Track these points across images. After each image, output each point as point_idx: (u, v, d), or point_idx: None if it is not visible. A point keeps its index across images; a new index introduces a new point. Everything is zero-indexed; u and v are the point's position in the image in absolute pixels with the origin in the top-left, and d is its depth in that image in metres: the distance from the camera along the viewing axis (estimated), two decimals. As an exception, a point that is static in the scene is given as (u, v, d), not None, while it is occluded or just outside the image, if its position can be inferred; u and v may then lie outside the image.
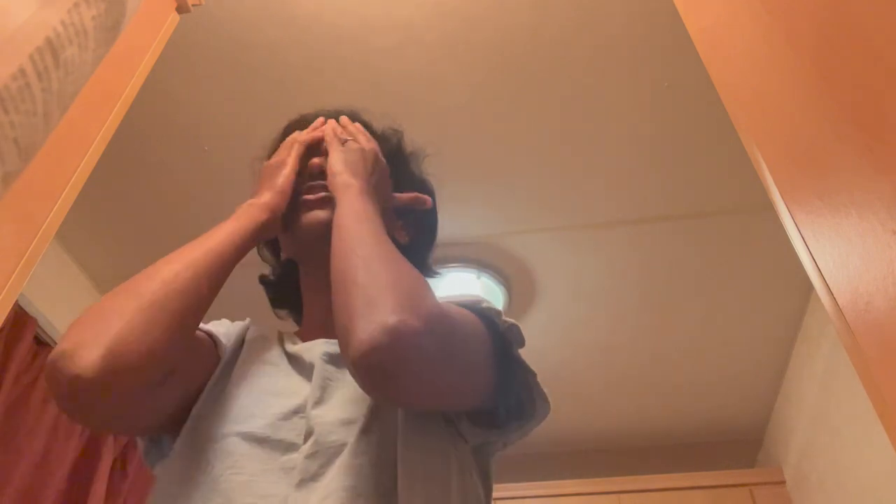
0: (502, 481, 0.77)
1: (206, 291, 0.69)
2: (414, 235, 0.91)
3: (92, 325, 0.60)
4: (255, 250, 0.95)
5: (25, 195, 0.78)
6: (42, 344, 2.20)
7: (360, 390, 0.65)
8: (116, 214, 2.24)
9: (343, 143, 0.85)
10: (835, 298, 0.53)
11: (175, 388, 0.67)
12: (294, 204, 0.84)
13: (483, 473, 0.72)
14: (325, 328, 0.79)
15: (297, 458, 0.61)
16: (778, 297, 2.49)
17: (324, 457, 0.61)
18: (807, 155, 0.60)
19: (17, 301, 0.95)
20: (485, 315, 0.69)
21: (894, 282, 0.43)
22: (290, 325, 0.91)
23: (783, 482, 2.77)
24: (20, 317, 2.05)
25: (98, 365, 0.56)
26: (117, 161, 2.01)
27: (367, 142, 0.86)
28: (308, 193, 0.84)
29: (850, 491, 2.23)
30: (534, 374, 0.70)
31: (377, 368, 0.53)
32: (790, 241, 0.64)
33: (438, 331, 0.57)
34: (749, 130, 0.72)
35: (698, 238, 2.31)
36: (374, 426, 0.63)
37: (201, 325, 0.76)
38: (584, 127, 1.99)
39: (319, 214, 0.82)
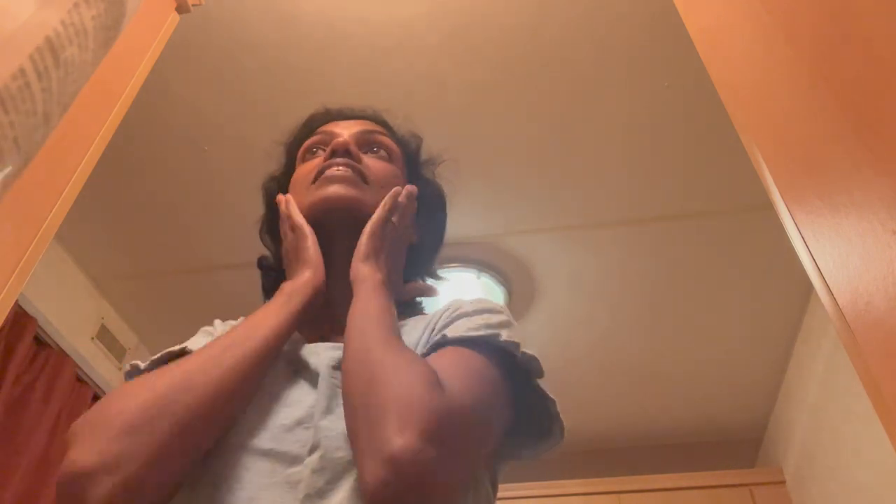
0: (502, 481, 0.76)
1: (245, 402, 0.65)
2: (423, 236, 0.90)
3: (116, 440, 0.56)
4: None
5: (25, 195, 0.78)
6: (42, 344, 2.20)
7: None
8: (116, 214, 2.24)
9: (388, 215, 0.80)
10: (835, 298, 0.53)
11: None
12: (307, 183, 0.82)
13: (492, 481, 0.70)
14: (331, 322, 0.78)
15: (302, 471, 0.59)
16: (778, 297, 2.49)
17: (330, 472, 0.58)
18: (807, 155, 0.60)
19: (17, 301, 0.95)
20: (504, 350, 0.66)
21: (894, 282, 0.43)
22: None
23: (783, 482, 2.77)
24: (20, 317, 2.05)
25: (115, 500, 0.54)
26: (117, 161, 2.01)
27: (407, 223, 0.83)
28: (331, 166, 0.82)
29: (850, 491, 2.23)
30: (553, 403, 0.69)
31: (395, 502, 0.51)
32: (790, 241, 0.64)
33: (447, 437, 0.54)
34: (749, 130, 0.72)
35: (698, 238, 2.31)
36: None
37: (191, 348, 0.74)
38: (584, 127, 1.99)
39: (339, 189, 0.80)
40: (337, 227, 0.80)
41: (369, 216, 0.80)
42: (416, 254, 0.90)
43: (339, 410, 0.63)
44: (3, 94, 0.64)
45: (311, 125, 0.93)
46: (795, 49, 0.60)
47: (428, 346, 0.68)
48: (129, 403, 0.59)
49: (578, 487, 2.75)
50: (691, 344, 2.73)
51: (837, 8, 0.53)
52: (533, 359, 0.67)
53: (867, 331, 0.49)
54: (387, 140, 0.89)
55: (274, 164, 0.97)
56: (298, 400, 0.66)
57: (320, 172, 0.81)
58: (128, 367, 0.79)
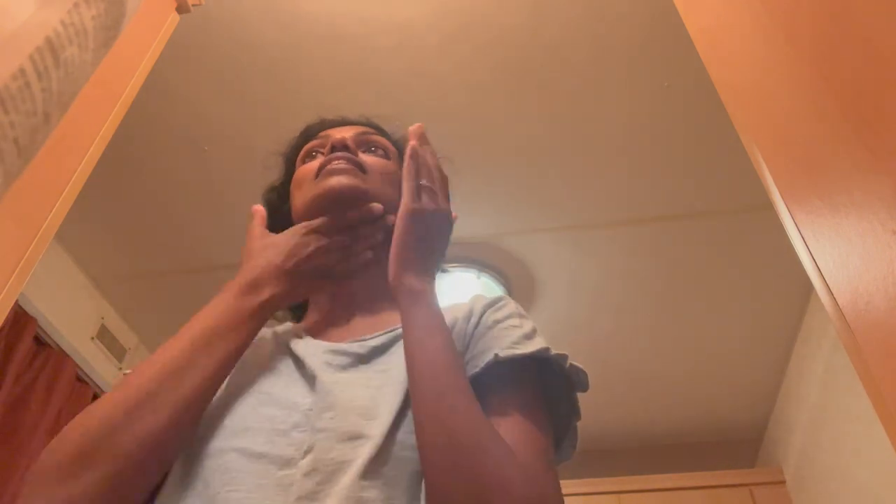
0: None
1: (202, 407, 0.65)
2: None
3: (92, 454, 0.58)
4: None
5: (25, 195, 0.78)
6: (42, 344, 2.20)
7: (364, 402, 0.64)
8: (116, 214, 2.25)
9: (418, 190, 0.73)
10: (835, 298, 0.53)
11: None
12: (308, 181, 0.82)
13: None
14: (334, 320, 0.79)
15: (294, 473, 0.58)
16: (778, 297, 2.49)
17: (321, 475, 0.58)
18: (807, 155, 0.60)
19: (17, 301, 0.95)
20: (553, 361, 0.68)
21: (894, 282, 0.43)
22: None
23: (783, 482, 2.77)
24: (20, 317, 2.05)
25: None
26: (117, 161, 2.01)
27: (446, 202, 0.75)
28: (331, 160, 0.82)
29: (850, 491, 2.23)
30: (578, 418, 0.70)
31: None
32: (790, 241, 0.63)
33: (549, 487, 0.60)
34: (749, 130, 0.72)
35: (698, 238, 2.32)
36: (386, 455, 0.60)
37: None
38: (584, 127, 1.99)
39: (341, 179, 0.79)
40: (342, 217, 0.80)
41: (370, 200, 0.80)
42: None
43: (335, 413, 0.63)
44: (3, 94, 0.64)
45: (307, 134, 0.94)
46: (795, 49, 0.60)
47: (480, 367, 0.66)
48: (67, 447, 0.59)
49: (578, 487, 2.75)
50: (691, 344, 2.73)
51: (837, 8, 0.53)
52: (581, 372, 0.69)
53: (867, 331, 0.49)
54: (384, 141, 0.90)
55: (273, 171, 0.97)
56: (294, 402, 0.65)
57: (321, 168, 0.82)
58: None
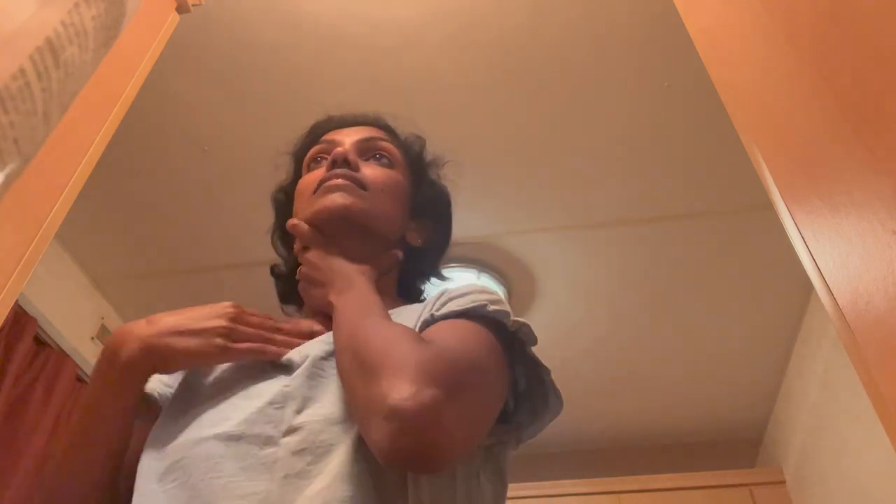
0: (503, 481, 0.75)
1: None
2: (427, 238, 0.90)
3: None
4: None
5: (25, 195, 0.78)
6: (42, 344, 2.20)
7: (337, 383, 0.65)
8: (116, 214, 2.24)
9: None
10: (835, 298, 0.53)
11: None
12: (309, 193, 0.83)
13: (497, 473, 0.70)
14: (324, 318, 0.79)
15: (278, 452, 0.59)
16: (778, 297, 2.49)
17: (312, 455, 0.58)
18: (807, 155, 0.60)
19: (17, 301, 0.95)
20: (493, 318, 0.66)
21: (894, 282, 0.43)
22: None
23: (783, 482, 2.77)
24: (20, 317, 2.05)
25: None
26: (117, 161, 2.01)
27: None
28: (331, 177, 0.82)
29: (850, 491, 2.23)
30: (548, 372, 0.69)
31: (403, 459, 0.52)
32: (790, 241, 0.63)
33: (442, 374, 0.54)
34: (749, 130, 0.72)
35: (698, 238, 2.31)
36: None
37: (148, 388, 0.75)
38: (584, 127, 1.99)
39: (337, 198, 0.80)
40: (338, 233, 0.81)
41: (369, 221, 0.82)
42: (420, 256, 0.90)
43: (323, 397, 0.63)
44: (3, 94, 0.64)
45: (315, 133, 0.94)
46: (795, 49, 0.60)
47: (418, 326, 0.68)
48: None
49: (578, 487, 2.75)
50: (691, 344, 2.73)
51: (837, 8, 0.53)
52: (524, 325, 0.67)
53: (867, 331, 0.49)
54: (388, 146, 0.90)
55: (280, 173, 0.98)
56: (269, 388, 0.66)
57: (321, 184, 0.82)
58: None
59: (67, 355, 2.26)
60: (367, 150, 0.88)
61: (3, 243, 0.76)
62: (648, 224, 2.27)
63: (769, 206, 0.68)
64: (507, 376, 0.66)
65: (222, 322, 0.69)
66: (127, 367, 0.67)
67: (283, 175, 0.98)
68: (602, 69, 1.85)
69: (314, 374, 0.66)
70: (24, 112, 0.68)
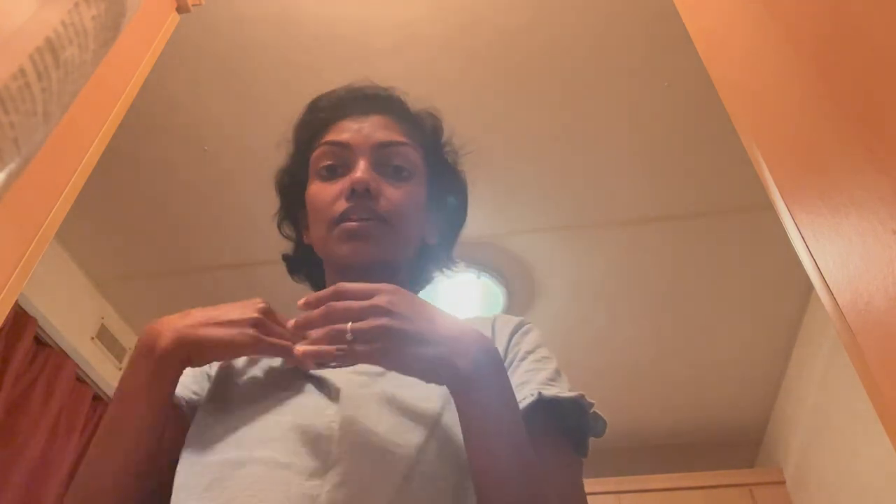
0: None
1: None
2: (442, 231, 0.89)
3: None
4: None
5: (25, 195, 0.78)
6: (42, 344, 2.20)
7: (392, 419, 0.64)
8: (116, 214, 2.25)
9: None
10: (835, 298, 0.53)
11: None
12: (327, 221, 0.78)
13: None
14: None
15: (321, 485, 0.58)
16: (778, 297, 2.49)
17: (353, 488, 0.58)
18: (807, 155, 0.60)
19: (17, 301, 0.95)
20: (585, 408, 0.69)
21: (894, 282, 0.43)
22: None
23: (783, 482, 2.77)
24: (20, 317, 2.05)
25: None
26: (117, 161, 2.01)
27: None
28: (351, 216, 0.76)
29: (850, 491, 2.23)
30: (584, 456, 0.72)
31: None
32: (790, 241, 0.63)
33: None
34: (749, 130, 0.72)
35: (698, 238, 2.32)
36: (417, 472, 0.60)
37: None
38: (584, 127, 1.99)
39: (359, 248, 0.75)
40: (365, 276, 0.78)
41: (394, 259, 0.79)
42: (436, 251, 0.89)
43: (362, 426, 0.62)
44: (3, 94, 0.64)
45: (319, 114, 0.88)
46: (795, 49, 0.60)
47: (522, 405, 0.66)
48: None
49: (578, 487, 2.75)
50: (691, 344, 2.73)
51: (838, 8, 0.53)
52: (602, 421, 0.71)
53: (867, 331, 0.49)
54: (406, 151, 0.82)
55: (280, 160, 0.95)
56: (316, 411, 0.65)
57: (341, 217, 0.77)
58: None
59: (67, 355, 2.26)
60: (384, 161, 0.81)
61: (3, 243, 0.76)
62: (648, 224, 2.27)
63: (769, 206, 0.68)
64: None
65: (254, 314, 0.66)
66: (162, 358, 0.66)
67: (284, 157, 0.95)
68: (602, 69, 1.85)
69: (356, 403, 0.65)
70: (24, 112, 0.68)
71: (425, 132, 0.89)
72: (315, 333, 0.61)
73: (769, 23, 0.66)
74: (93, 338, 2.42)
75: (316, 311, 0.61)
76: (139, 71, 1.06)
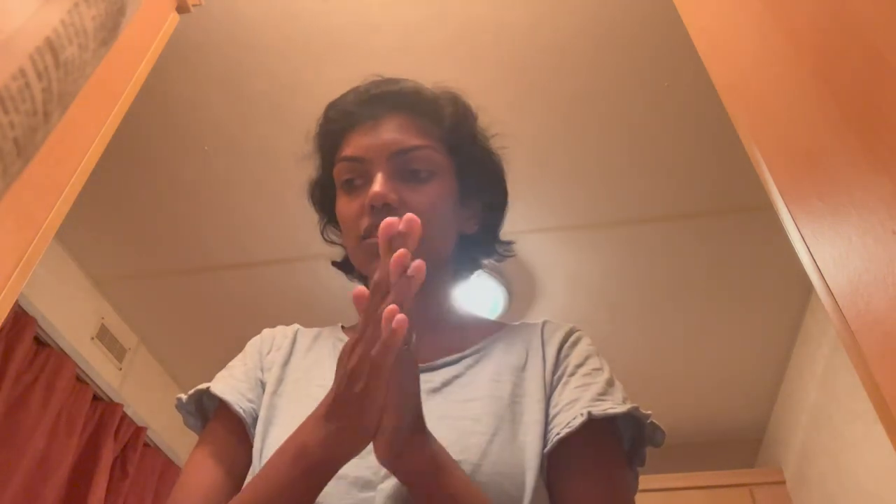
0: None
1: None
2: (482, 219, 0.87)
3: None
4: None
5: (25, 195, 0.78)
6: (42, 344, 2.20)
7: (445, 434, 0.63)
8: (116, 214, 2.24)
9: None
10: (835, 298, 0.53)
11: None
12: (355, 237, 0.76)
13: None
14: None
15: (374, 497, 0.59)
16: (778, 297, 2.49)
17: (406, 500, 0.59)
18: (807, 155, 0.59)
19: (17, 301, 0.95)
20: (634, 417, 0.69)
21: (894, 282, 0.43)
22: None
23: (783, 482, 2.77)
24: (20, 317, 2.05)
25: None
26: (117, 161, 2.02)
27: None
28: (374, 233, 0.71)
29: (850, 491, 2.23)
30: (641, 465, 0.72)
31: None
32: (790, 241, 0.63)
33: None
34: (749, 130, 0.72)
35: (698, 238, 2.31)
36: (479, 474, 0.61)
37: (228, 398, 0.73)
38: (584, 127, 1.99)
39: None
40: None
41: (427, 261, 0.76)
42: (478, 239, 0.87)
43: None
44: (3, 94, 0.64)
45: (333, 127, 0.86)
46: (795, 49, 0.60)
47: (574, 426, 0.65)
48: None
49: (578, 487, 2.75)
50: (691, 344, 2.73)
51: (838, 8, 0.53)
52: (660, 431, 0.70)
53: (867, 331, 0.49)
54: (424, 154, 0.79)
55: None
56: None
57: (365, 234, 0.75)
58: (175, 401, 0.80)
59: (67, 355, 2.26)
60: (402, 167, 0.78)
61: (3, 243, 0.76)
62: (648, 224, 2.27)
63: (769, 206, 0.68)
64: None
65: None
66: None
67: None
68: (602, 69, 1.85)
69: None
70: (24, 112, 0.68)
71: (444, 121, 0.84)
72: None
73: (769, 23, 0.66)
74: (93, 338, 2.42)
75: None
76: (139, 71, 1.06)
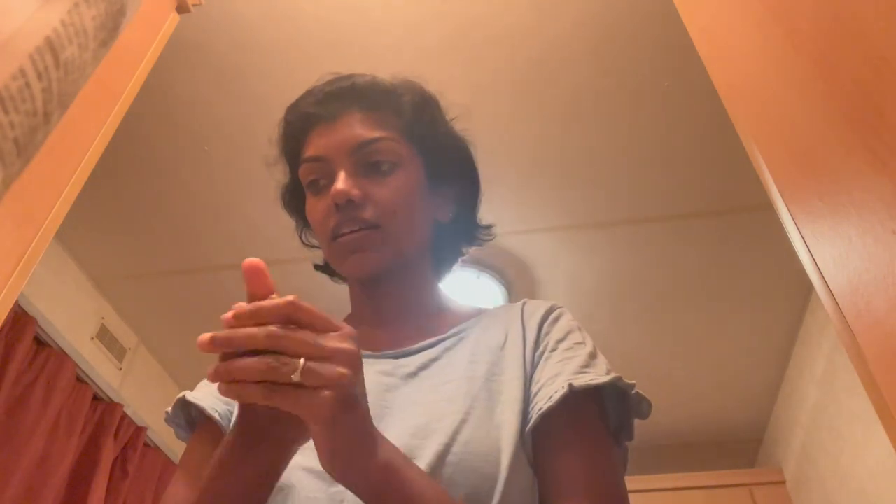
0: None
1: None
2: (456, 205, 0.87)
3: None
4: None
5: (25, 195, 0.78)
6: (42, 344, 2.20)
7: (417, 420, 0.64)
8: (116, 214, 2.24)
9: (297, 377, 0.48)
10: (835, 298, 0.53)
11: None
12: (326, 238, 0.77)
13: None
14: (373, 326, 0.78)
15: (345, 491, 0.58)
16: (778, 297, 2.49)
17: None
18: (807, 155, 0.59)
19: (17, 301, 0.95)
20: (624, 390, 0.68)
21: (894, 282, 0.43)
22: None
23: (783, 482, 2.77)
24: (20, 317, 2.05)
25: None
26: (118, 161, 2.02)
27: (335, 350, 0.49)
28: (343, 231, 0.75)
29: (850, 491, 2.23)
30: (630, 440, 0.71)
31: None
32: (790, 241, 0.63)
33: None
34: (749, 130, 0.72)
35: (698, 238, 2.31)
36: (438, 475, 0.60)
37: (203, 403, 0.73)
38: (584, 127, 1.99)
39: (360, 261, 0.74)
40: (379, 283, 0.79)
41: (402, 257, 0.77)
42: (454, 228, 0.87)
43: (388, 432, 0.61)
44: (3, 94, 0.64)
45: (293, 129, 0.87)
46: (796, 49, 0.60)
47: (555, 399, 0.64)
48: None
49: (578, 487, 2.75)
50: (691, 344, 2.73)
51: (838, 8, 0.53)
52: (645, 401, 0.70)
53: (867, 331, 0.49)
54: (383, 146, 0.78)
55: (273, 169, 0.96)
56: None
57: (334, 234, 0.76)
58: (164, 416, 0.79)
59: (67, 355, 2.26)
60: (363, 161, 0.77)
61: (3, 243, 0.76)
62: (648, 224, 2.27)
63: (769, 206, 0.68)
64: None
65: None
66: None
67: (277, 171, 0.95)
68: (602, 69, 1.85)
69: (379, 406, 0.65)
70: (24, 112, 0.68)
71: (404, 111, 0.82)
72: (242, 361, 0.46)
73: (769, 23, 0.66)
74: (93, 338, 2.42)
75: (258, 331, 0.46)
76: (139, 71, 1.06)
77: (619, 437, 0.71)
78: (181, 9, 1.20)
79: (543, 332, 0.75)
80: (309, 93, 0.88)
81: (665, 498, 2.71)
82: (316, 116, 0.83)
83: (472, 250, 0.93)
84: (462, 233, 0.89)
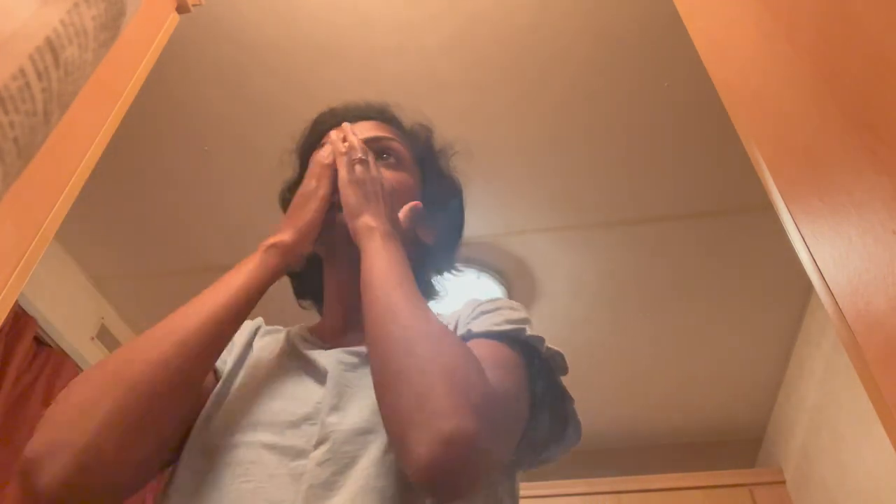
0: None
1: (206, 365, 0.65)
2: (439, 234, 0.90)
3: (64, 422, 0.57)
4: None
5: (25, 195, 0.78)
6: (42, 344, 2.20)
7: (363, 394, 0.65)
8: (116, 214, 2.24)
9: (352, 165, 0.77)
10: (835, 298, 0.53)
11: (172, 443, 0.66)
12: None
13: (513, 490, 0.71)
14: (346, 326, 0.79)
15: (306, 464, 0.60)
16: (778, 297, 2.49)
17: (336, 465, 0.59)
18: (807, 155, 0.59)
19: (17, 301, 0.95)
20: (528, 344, 0.69)
21: (894, 282, 0.43)
22: (309, 318, 0.90)
23: (783, 482, 2.77)
24: (20, 317, 2.05)
25: (64, 480, 0.53)
26: (118, 161, 2.01)
27: (373, 167, 0.79)
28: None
29: (851, 491, 2.23)
30: (571, 401, 0.72)
31: (438, 482, 0.52)
32: (790, 241, 0.64)
33: (492, 419, 0.54)
34: (749, 130, 0.72)
35: (698, 238, 2.31)
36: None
37: None
38: (584, 127, 1.99)
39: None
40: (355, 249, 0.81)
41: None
42: (432, 252, 0.90)
43: (349, 408, 0.65)
44: (3, 94, 0.64)
45: (319, 129, 0.93)
46: (796, 49, 0.60)
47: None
48: (80, 386, 0.60)
49: (578, 487, 2.75)
50: (691, 344, 2.73)
51: (838, 7, 0.53)
52: (558, 354, 0.70)
53: (867, 331, 0.49)
54: (394, 145, 0.89)
55: (285, 170, 0.97)
56: (304, 396, 0.67)
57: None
58: None
59: (67, 355, 2.26)
60: (375, 149, 0.86)
61: (3, 243, 0.76)
62: (648, 224, 2.27)
63: (769, 206, 0.68)
64: (529, 399, 0.68)
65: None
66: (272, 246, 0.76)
67: (287, 172, 0.97)
68: (602, 69, 1.85)
69: (342, 384, 0.67)
70: (24, 112, 0.68)
71: (419, 141, 0.93)
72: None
73: (769, 23, 0.66)
74: (93, 338, 2.42)
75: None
76: (139, 71, 1.06)
77: (546, 396, 0.71)
78: (181, 9, 1.20)
79: (476, 312, 0.75)
80: (332, 108, 0.97)
81: (665, 498, 2.71)
82: (341, 116, 0.91)
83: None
84: (437, 260, 0.92)
